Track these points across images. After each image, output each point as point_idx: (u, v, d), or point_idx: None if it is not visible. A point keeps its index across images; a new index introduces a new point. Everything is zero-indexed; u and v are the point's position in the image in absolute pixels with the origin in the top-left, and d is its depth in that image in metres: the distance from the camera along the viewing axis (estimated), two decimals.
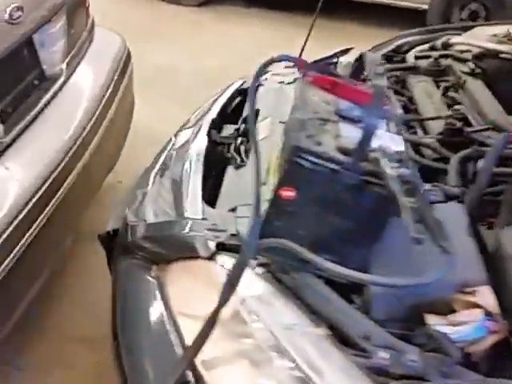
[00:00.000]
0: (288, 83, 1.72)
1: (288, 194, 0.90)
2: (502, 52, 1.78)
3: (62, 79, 1.92)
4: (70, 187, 1.72)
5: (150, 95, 3.21)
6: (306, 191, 0.90)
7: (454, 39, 1.91)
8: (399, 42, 2.10)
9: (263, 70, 1.03)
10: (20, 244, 1.45)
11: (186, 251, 1.13)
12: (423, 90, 1.63)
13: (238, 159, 1.38)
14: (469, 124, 1.44)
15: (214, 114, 1.61)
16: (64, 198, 1.67)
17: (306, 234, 0.94)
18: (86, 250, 2.17)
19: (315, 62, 1.95)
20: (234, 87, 1.78)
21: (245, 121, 1.60)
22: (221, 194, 1.31)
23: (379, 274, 0.89)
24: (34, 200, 1.53)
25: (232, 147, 1.46)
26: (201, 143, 1.45)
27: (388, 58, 2.01)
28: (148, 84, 3.34)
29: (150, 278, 1.19)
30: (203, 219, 1.17)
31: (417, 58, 1.82)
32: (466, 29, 2.08)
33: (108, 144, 2.08)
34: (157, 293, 1.15)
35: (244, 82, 1.82)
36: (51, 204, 1.61)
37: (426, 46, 1.99)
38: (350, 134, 0.91)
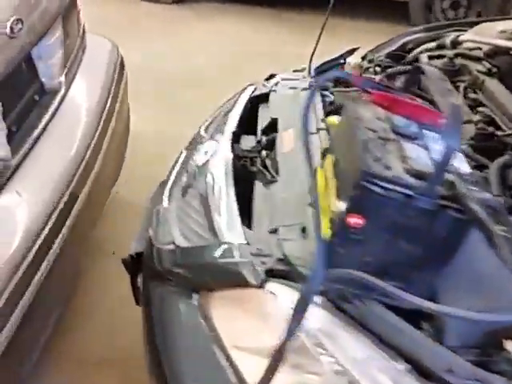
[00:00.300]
0: (303, 89, 1.67)
1: (356, 221, 0.86)
2: None
3: (61, 92, 1.83)
4: (80, 209, 1.64)
5: (133, 96, 3.15)
6: (375, 217, 0.85)
7: (464, 37, 1.88)
8: (404, 40, 2.06)
9: (316, 91, 0.98)
10: (35, 281, 1.37)
11: (232, 279, 1.08)
12: (440, 93, 1.60)
13: (268, 174, 1.33)
14: (498, 127, 1.41)
15: (232, 126, 1.55)
16: (75, 222, 1.59)
17: (371, 260, 0.90)
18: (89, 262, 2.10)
19: (323, 64, 1.91)
20: (246, 95, 1.72)
21: (265, 132, 1.54)
22: (255, 214, 1.25)
23: (451, 301, 0.87)
24: (48, 227, 1.45)
25: (258, 161, 1.40)
26: (226, 159, 1.39)
27: (395, 58, 1.98)
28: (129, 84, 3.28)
29: (191, 308, 1.13)
30: (247, 244, 1.12)
31: (430, 57, 1.78)
32: (471, 24, 2.06)
33: (112, 157, 2.00)
34: (202, 324, 1.10)
35: (255, 89, 1.76)
36: (64, 229, 1.53)
37: (433, 44, 1.97)
38: (416, 155, 0.87)
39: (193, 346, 1.08)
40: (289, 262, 1.05)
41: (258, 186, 1.34)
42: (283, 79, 1.81)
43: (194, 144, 1.72)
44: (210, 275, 1.13)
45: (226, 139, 1.48)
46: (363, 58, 2.05)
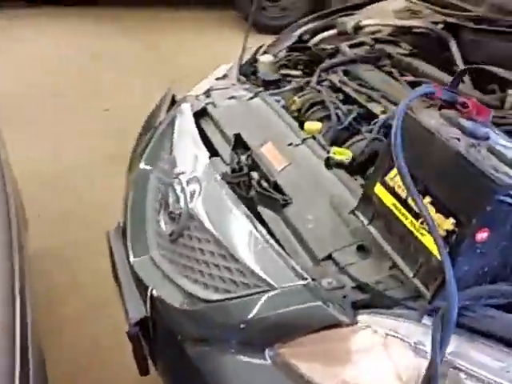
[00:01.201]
0: (250, 98, 1.57)
1: (482, 235, 0.83)
2: (417, 27, 1.87)
3: None
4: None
5: None
6: (501, 228, 0.84)
7: (365, 21, 1.93)
8: (299, 32, 2.07)
9: (406, 108, 0.91)
10: None
11: (317, 322, 0.98)
12: (380, 80, 1.63)
13: (278, 197, 1.23)
14: None
15: (201, 151, 1.39)
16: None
17: (488, 270, 0.89)
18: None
19: (241, 68, 1.83)
20: (188, 113, 1.56)
21: (234, 150, 1.42)
22: (283, 243, 1.15)
23: None
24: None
25: (255, 184, 1.28)
26: (224, 191, 1.25)
27: (299, 50, 1.97)
28: None
29: (265, 367, 1.01)
30: (313, 279, 1.02)
31: (350, 46, 1.80)
32: (355, 8, 2.14)
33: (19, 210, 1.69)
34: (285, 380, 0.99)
35: (192, 105, 1.61)
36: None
37: (333, 32, 2.00)
38: None
39: None
40: (371, 289, 0.99)
41: (266, 211, 1.24)
42: (214, 89, 1.69)
43: (141, 182, 1.53)
44: (284, 324, 1.01)
45: (205, 168, 1.34)
46: (260, 53, 2.00)
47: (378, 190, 1.02)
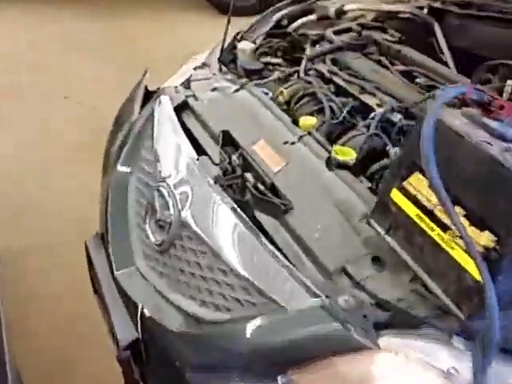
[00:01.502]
0: (235, 91, 1.45)
1: None
2: (402, 12, 1.79)
3: None
4: None
5: None
6: None
7: (348, 6, 1.84)
8: (277, 17, 1.95)
9: (436, 109, 0.81)
10: None
11: (336, 346, 0.89)
12: (371, 69, 1.54)
13: (277, 202, 1.12)
14: None
15: (188, 151, 1.27)
16: None
17: None
18: None
19: (221, 55, 1.70)
20: (168, 108, 1.43)
21: (223, 149, 1.31)
22: (288, 254, 1.06)
23: None
24: None
25: (250, 187, 1.18)
26: (218, 196, 1.14)
27: (279, 36, 1.86)
28: None
29: None
30: (327, 297, 0.93)
31: (335, 33, 1.70)
32: None
33: None
34: None
35: (172, 98, 1.47)
36: None
37: (313, 17, 1.90)
38: None
39: None
40: (393, 306, 0.91)
41: (265, 218, 1.13)
42: (193, 80, 1.57)
43: (120, 185, 1.40)
44: (298, 348, 0.92)
45: (194, 169, 1.22)
46: (238, 40, 1.89)
47: (395, 195, 0.93)
